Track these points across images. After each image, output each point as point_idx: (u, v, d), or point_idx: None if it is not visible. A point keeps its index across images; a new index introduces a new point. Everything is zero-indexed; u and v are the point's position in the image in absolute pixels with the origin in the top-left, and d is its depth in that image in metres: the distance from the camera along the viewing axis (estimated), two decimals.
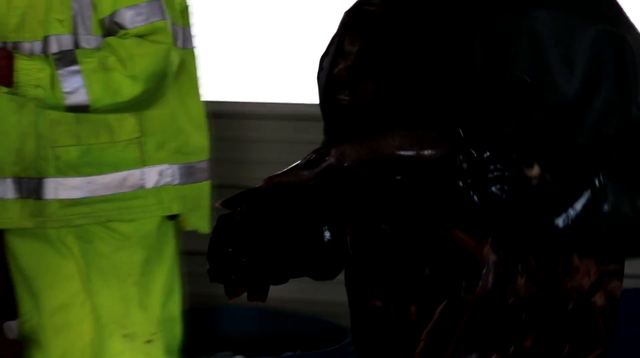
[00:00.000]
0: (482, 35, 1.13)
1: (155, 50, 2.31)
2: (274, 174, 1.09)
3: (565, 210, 1.06)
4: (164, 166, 2.41)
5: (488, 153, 1.04)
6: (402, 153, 1.05)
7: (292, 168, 1.08)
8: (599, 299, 1.16)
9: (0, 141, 2.40)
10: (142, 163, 2.39)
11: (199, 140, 2.52)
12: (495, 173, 1.04)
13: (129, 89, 2.31)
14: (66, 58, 2.30)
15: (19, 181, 2.41)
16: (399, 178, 1.06)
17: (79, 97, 2.29)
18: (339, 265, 1.33)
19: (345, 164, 1.06)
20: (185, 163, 2.45)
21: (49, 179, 2.37)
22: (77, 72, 2.29)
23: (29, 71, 2.27)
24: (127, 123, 2.37)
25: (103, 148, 2.37)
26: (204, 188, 2.49)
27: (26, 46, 2.35)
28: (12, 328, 3.06)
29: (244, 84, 3.63)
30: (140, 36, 2.30)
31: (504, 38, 1.12)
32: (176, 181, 2.43)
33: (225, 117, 3.19)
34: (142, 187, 2.38)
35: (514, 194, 1.04)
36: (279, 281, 1.28)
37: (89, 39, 2.34)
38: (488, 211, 1.05)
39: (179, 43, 2.40)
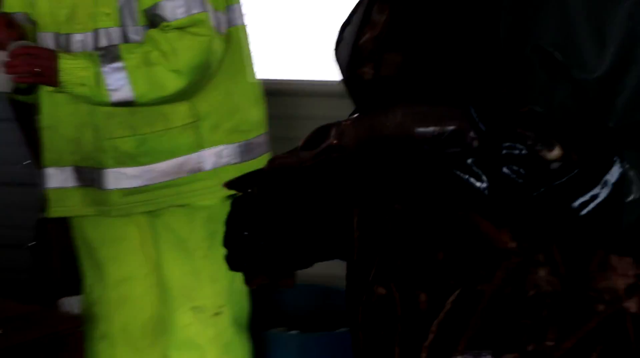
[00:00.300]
0: (509, 0, 1.02)
1: (197, 43, 2.32)
2: (278, 155, 1.06)
3: (585, 197, 0.95)
4: (221, 147, 2.43)
5: (502, 130, 0.95)
6: (406, 130, 0.97)
7: (294, 149, 1.04)
8: (632, 305, 1.03)
9: (58, 131, 2.45)
10: (199, 146, 2.41)
11: (255, 115, 2.53)
12: (508, 152, 0.94)
13: (173, 83, 2.33)
14: (110, 55, 2.33)
15: (79, 170, 2.46)
16: (397, 158, 0.98)
17: (124, 94, 2.33)
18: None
19: (345, 144, 0.99)
20: (242, 141, 2.46)
21: (108, 170, 2.42)
22: (121, 68, 2.32)
23: (73, 70, 2.32)
24: (181, 109, 2.40)
25: (158, 135, 2.40)
26: (264, 162, 2.51)
27: (77, 37, 2.39)
28: (71, 303, 3.13)
29: (296, 62, 3.64)
30: (181, 28, 2.32)
31: (532, 4, 1.01)
32: (235, 160, 2.45)
33: (278, 95, 3.20)
34: (200, 170, 2.41)
35: (529, 177, 0.94)
36: (302, 265, 1.21)
37: (137, 30, 2.37)
38: (500, 195, 0.96)
39: (223, 27, 2.41)
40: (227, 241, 1.18)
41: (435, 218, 1.06)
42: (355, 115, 1.01)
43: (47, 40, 2.44)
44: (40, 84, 2.38)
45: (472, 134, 0.96)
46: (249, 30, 2.57)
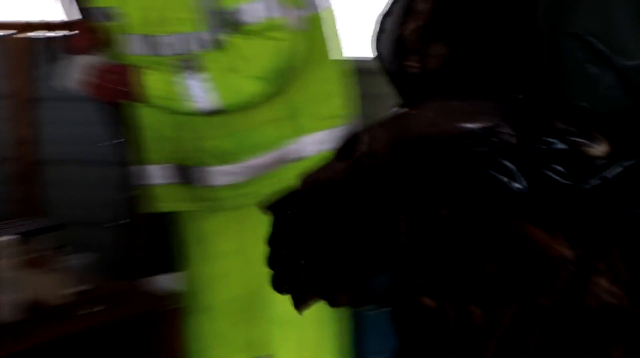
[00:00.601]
0: None
1: (278, 48, 2.34)
2: (309, 172, 1.01)
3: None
4: (320, 134, 2.45)
5: (540, 125, 0.87)
6: (436, 128, 0.90)
7: (328, 162, 0.99)
8: None
9: (158, 130, 2.49)
10: (298, 136, 2.44)
11: (348, 98, 2.54)
12: (548, 149, 0.87)
13: (257, 89, 2.36)
14: (193, 65, 2.36)
15: (180, 168, 2.51)
16: (430, 159, 0.91)
17: (210, 103, 2.36)
18: None
19: (377, 149, 0.94)
20: (340, 126, 2.48)
21: (211, 168, 2.46)
22: (204, 79, 2.35)
23: (158, 85, 2.37)
24: (275, 103, 2.42)
25: (256, 131, 2.43)
26: None
27: (165, 40, 2.43)
28: (163, 281, 3.19)
29: None
30: (262, 32, 2.33)
31: None
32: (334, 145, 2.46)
33: (368, 74, 3.20)
34: (301, 159, 2.43)
35: (572, 176, 0.86)
36: (352, 280, 1.14)
37: (220, 34, 2.39)
38: (542, 196, 0.88)
39: (304, 23, 2.40)
40: (270, 262, 1.13)
41: (484, 226, 0.99)
42: (388, 116, 0.95)
43: (136, 42, 2.47)
44: (127, 101, 2.42)
45: (508, 130, 0.89)
46: (334, 10, 2.57)
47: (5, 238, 2.40)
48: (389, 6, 1.17)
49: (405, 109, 0.96)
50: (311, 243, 1.08)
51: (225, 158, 2.45)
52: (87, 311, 2.51)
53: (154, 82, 2.36)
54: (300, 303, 1.16)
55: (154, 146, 2.52)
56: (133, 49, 2.48)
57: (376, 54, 1.17)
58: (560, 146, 0.88)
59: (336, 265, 1.11)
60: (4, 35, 4.36)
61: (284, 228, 1.10)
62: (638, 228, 0.89)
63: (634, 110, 0.91)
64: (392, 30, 1.13)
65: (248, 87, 2.35)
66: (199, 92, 2.34)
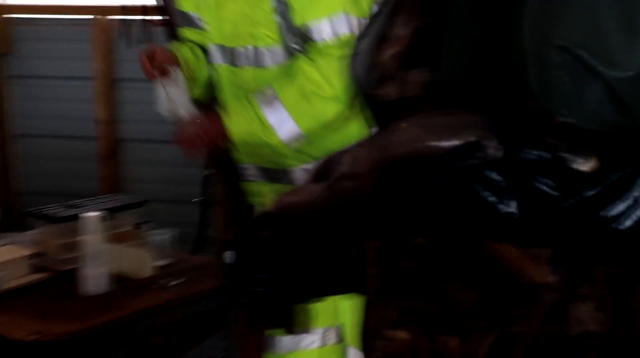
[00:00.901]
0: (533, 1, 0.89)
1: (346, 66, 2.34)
2: (284, 194, 0.93)
3: (622, 208, 0.81)
4: None
5: (528, 139, 0.81)
6: (419, 146, 0.84)
7: (304, 183, 0.91)
8: None
9: (244, 140, 2.52)
10: (369, 129, 2.46)
11: None
12: (538, 165, 0.81)
13: (334, 109, 2.39)
14: (267, 97, 2.40)
15: (265, 170, 2.58)
16: (411, 178, 0.84)
17: (290, 131, 2.40)
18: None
19: (358, 171, 0.86)
20: None
21: (293, 169, 2.54)
22: (281, 109, 2.39)
23: (239, 126, 2.43)
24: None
25: (332, 131, 2.44)
26: None
27: (241, 51, 2.48)
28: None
29: None
30: (329, 51, 2.35)
31: (554, 2, 0.87)
32: None
33: None
34: None
35: (563, 192, 0.81)
36: (306, 300, 1.08)
37: (293, 49, 2.42)
38: (529, 214, 0.82)
39: None
40: (229, 271, 1.04)
41: (461, 252, 0.93)
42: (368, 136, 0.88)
43: (215, 52, 2.54)
44: (216, 145, 2.52)
45: (494, 143, 0.83)
46: None
47: (90, 214, 2.48)
48: (365, 28, 1.11)
49: (386, 129, 0.88)
50: (278, 260, 1.00)
51: (305, 158, 2.50)
52: (169, 284, 2.58)
53: (235, 123, 2.43)
54: (255, 327, 1.08)
55: (242, 149, 2.58)
56: (214, 57, 2.55)
57: (351, 76, 1.11)
58: (549, 158, 0.82)
59: (299, 286, 1.03)
60: (87, 19, 4.48)
61: (252, 244, 1.01)
62: (622, 247, 0.83)
63: (622, 126, 0.84)
64: (368, 54, 1.07)
65: (324, 109, 2.38)
66: (278, 121, 2.39)
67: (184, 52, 2.62)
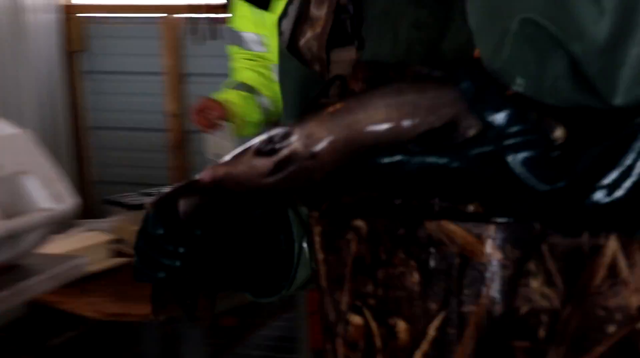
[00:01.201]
0: None
1: None
2: (219, 163, 0.81)
3: (601, 184, 0.72)
4: None
5: (504, 112, 0.72)
6: (390, 127, 0.74)
7: (242, 152, 0.79)
8: None
9: None
10: None
11: None
12: (515, 138, 0.72)
13: None
14: None
15: None
16: (388, 161, 0.74)
17: None
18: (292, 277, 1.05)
19: (316, 150, 0.75)
20: None
21: None
22: None
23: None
24: None
25: None
26: None
27: None
28: None
29: None
30: None
31: None
32: None
33: None
34: None
35: (540, 164, 0.72)
36: (222, 287, 1.01)
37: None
38: (505, 186, 0.73)
39: None
40: (141, 243, 0.94)
41: (406, 233, 0.88)
42: (322, 111, 0.77)
43: (275, 72, 2.60)
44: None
45: (470, 122, 0.74)
46: None
47: None
48: (285, 7, 1.06)
49: (345, 103, 0.77)
50: (199, 235, 0.92)
51: None
52: None
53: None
54: (159, 310, 0.99)
55: None
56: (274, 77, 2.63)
57: (279, 53, 1.06)
58: (526, 132, 0.73)
59: (217, 269, 0.96)
60: (156, 18, 4.66)
61: (172, 213, 0.92)
62: (572, 221, 0.75)
63: (581, 103, 0.74)
64: (287, 37, 1.02)
65: None
66: None
67: (231, 97, 2.68)
